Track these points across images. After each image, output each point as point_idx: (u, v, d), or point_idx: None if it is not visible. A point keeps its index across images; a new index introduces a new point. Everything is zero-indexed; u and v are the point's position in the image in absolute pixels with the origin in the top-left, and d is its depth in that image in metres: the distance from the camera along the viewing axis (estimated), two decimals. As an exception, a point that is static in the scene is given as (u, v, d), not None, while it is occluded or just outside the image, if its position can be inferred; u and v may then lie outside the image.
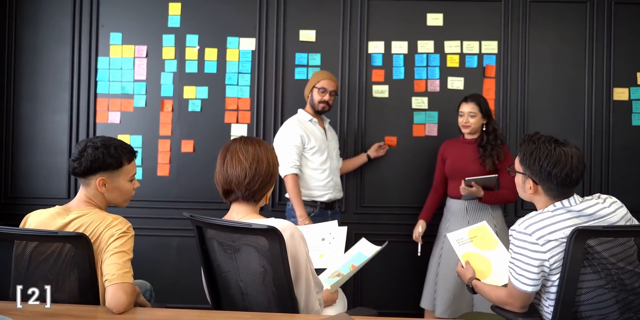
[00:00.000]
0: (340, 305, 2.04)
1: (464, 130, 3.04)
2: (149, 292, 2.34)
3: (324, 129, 3.16)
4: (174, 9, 3.56)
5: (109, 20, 3.58)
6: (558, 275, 1.66)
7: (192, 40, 3.56)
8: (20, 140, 3.59)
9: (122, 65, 3.57)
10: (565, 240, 1.63)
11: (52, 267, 1.70)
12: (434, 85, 3.50)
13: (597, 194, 1.79)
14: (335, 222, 2.42)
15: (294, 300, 1.63)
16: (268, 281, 1.63)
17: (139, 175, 3.46)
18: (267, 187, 1.75)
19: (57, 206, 1.86)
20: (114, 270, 1.66)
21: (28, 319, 1.51)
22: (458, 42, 3.51)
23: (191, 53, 3.56)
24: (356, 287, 3.51)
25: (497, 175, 2.91)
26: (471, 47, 3.51)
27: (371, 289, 3.52)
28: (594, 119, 3.49)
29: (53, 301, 1.66)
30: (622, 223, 1.72)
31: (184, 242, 3.48)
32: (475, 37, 3.51)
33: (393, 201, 3.51)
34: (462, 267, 2.09)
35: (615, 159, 3.49)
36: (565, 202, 1.73)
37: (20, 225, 1.86)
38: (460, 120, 3.03)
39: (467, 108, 3.00)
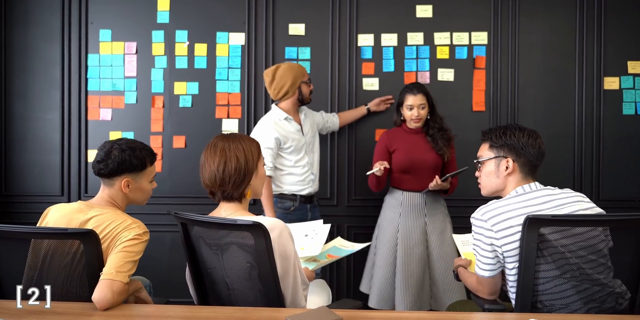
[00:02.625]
0: (325, 297, 2.07)
1: (414, 124, 2.95)
2: (148, 288, 2.37)
3: (300, 123, 3.07)
4: (163, 5, 3.55)
5: (98, 17, 3.57)
6: (515, 264, 1.71)
7: (181, 35, 3.55)
8: (12, 138, 3.60)
9: (112, 62, 3.57)
10: (519, 228, 1.67)
11: (62, 264, 1.73)
12: (424, 77, 3.50)
13: (566, 189, 1.84)
14: (321, 221, 2.45)
15: (280, 295, 1.65)
16: (254, 277, 1.65)
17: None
18: (242, 185, 1.76)
19: (79, 201, 1.93)
20: (111, 266, 1.69)
21: (14, 317, 1.52)
22: (448, 34, 3.50)
23: (181, 49, 3.55)
24: (348, 279, 3.54)
25: (467, 167, 2.79)
26: (461, 38, 3.50)
27: (359, 281, 3.53)
28: (585, 108, 3.49)
29: (63, 298, 1.70)
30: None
31: (177, 237, 3.45)
32: (465, 28, 3.49)
33: (383, 193, 3.51)
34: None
35: (606, 149, 3.48)
36: (526, 187, 1.80)
37: (41, 218, 1.92)
38: (410, 113, 2.93)
39: (416, 100, 2.91)
